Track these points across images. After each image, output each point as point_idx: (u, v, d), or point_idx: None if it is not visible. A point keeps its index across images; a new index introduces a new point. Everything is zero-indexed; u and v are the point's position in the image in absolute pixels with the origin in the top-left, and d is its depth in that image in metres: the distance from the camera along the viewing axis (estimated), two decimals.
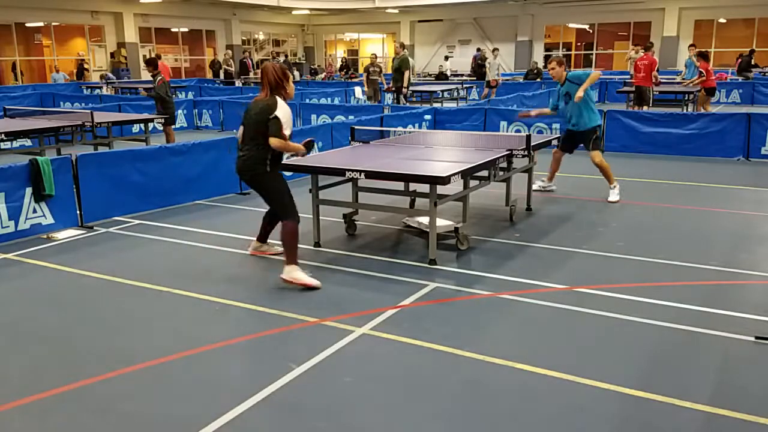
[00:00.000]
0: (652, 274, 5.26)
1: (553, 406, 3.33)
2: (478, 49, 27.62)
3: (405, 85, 14.98)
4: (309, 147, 5.23)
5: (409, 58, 19.97)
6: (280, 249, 5.36)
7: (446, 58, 30.40)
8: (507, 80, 22.60)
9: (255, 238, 5.69)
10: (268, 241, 5.68)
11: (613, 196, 7.66)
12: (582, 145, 7.78)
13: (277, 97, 4.91)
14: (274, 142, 4.82)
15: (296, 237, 5.01)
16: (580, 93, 7.36)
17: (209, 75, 27.30)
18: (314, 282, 4.96)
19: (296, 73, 28.34)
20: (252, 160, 4.97)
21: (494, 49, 21.54)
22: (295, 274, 4.94)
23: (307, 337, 4.16)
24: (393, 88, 15.46)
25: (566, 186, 8.43)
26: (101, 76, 24.33)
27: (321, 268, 5.45)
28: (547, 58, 32.16)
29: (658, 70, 14.67)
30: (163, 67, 17.64)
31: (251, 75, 24.84)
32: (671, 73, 23.25)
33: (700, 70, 14.84)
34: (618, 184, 7.76)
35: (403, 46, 15.86)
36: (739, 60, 22.38)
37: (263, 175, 5.00)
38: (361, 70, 33.91)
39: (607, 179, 7.74)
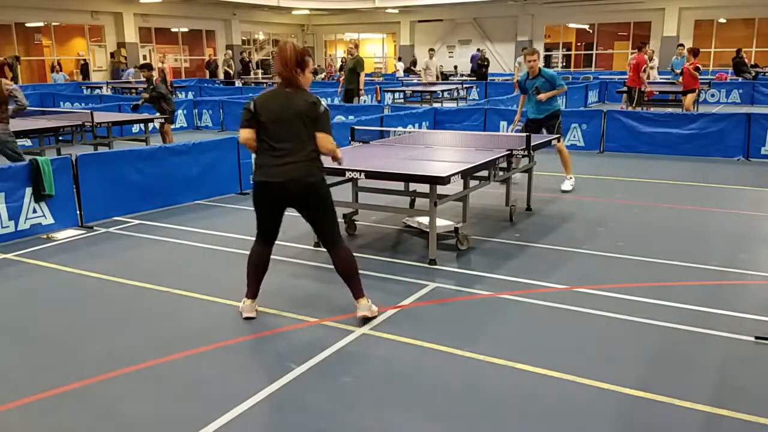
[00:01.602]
0: (652, 274, 5.26)
1: (553, 406, 3.33)
2: (478, 50, 27.63)
3: (360, 87, 14.79)
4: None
5: (430, 59, 20.17)
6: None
7: (399, 59, 30.75)
8: (506, 80, 22.60)
9: (246, 297, 4.46)
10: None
11: (567, 185, 8.16)
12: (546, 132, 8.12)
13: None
14: (327, 142, 4.16)
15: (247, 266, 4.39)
16: (543, 97, 8.07)
17: (207, 75, 27.33)
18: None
19: None
20: (311, 165, 4.18)
21: (523, 49, 21.72)
22: (374, 306, 4.38)
23: (307, 337, 4.16)
24: (346, 89, 14.98)
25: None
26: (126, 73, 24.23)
27: (321, 268, 5.45)
28: (547, 58, 32.20)
29: (647, 70, 14.46)
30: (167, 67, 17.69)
31: (251, 75, 24.89)
32: (671, 73, 23.22)
33: (682, 69, 14.35)
34: (574, 176, 8.25)
35: (357, 46, 15.76)
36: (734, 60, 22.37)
37: (322, 183, 4.26)
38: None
39: (565, 169, 8.20)
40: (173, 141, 11.06)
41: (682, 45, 17.43)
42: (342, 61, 34.29)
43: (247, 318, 4.42)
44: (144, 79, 11.48)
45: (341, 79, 16.17)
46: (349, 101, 14.68)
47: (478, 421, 3.21)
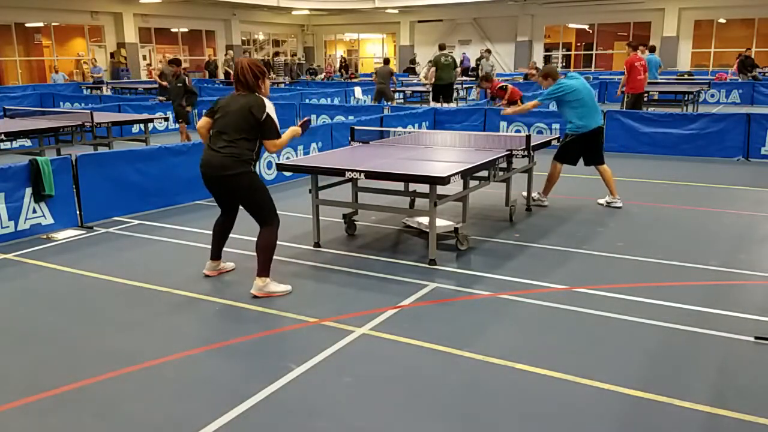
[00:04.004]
0: (652, 274, 5.26)
1: (553, 406, 3.33)
2: (463, 53, 27.77)
3: None
4: (305, 127, 5.04)
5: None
6: (232, 265, 5.39)
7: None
8: (507, 80, 22.60)
9: (210, 259, 5.27)
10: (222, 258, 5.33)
11: (536, 198, 7.53)
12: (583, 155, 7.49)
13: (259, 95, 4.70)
14: (272, 147, 4.72)
15: (275, 246, 4.84)
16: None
17: (207, 75, 27.31)
18: (286, 288, 4.87)
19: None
20: (235, 157, 4.65)
21: (486, 50, 21.70)
22: (270, 287, 4.82)
23: (307, 337, 4.16)
24: None
25: (565, 186, 8.43)
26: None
27: (321, 268, 5.46)
28: (547, 59, 32.19)
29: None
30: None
31: None
32: (671, 74, 23.26)
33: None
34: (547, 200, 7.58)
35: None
36: (738, 59, 22.24)
37: (246, 175, 4.71)
38: (361, 70, 33.89)
39: (545, 185, 7.57)
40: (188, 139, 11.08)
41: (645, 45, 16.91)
42: (342, 61, 34.39)
43: (205, 276, 5.20)
44: (174, 74, 11.56)
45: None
46: None
47: (477, 421, 3.21)
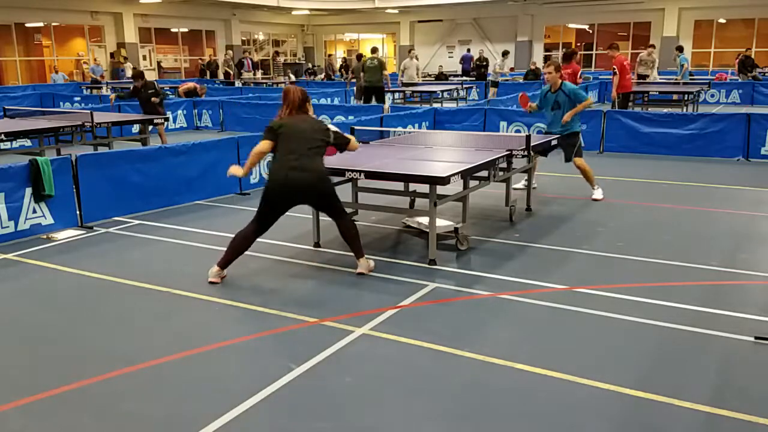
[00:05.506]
0: (651, 273, 5.26)
1: (553, 406, 3.33)
2: (468, 50, 27.72)
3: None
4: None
5: (414, 59, 19.87)
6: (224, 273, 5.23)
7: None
8: (506, 80, 22.62)
9: (216, 266, 5.11)
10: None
11: (597, 194, 7.77)
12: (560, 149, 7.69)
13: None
14: (354, 146, 5.47)
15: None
16: (567, 118, 7.52)
17: (208, 75, 27.30)
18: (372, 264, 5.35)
19: (291, 75, 28.37)
20: (323, 174, 5.14)
21: (505, 52, 21.78)
22: (371, 264, 5.31)
23: (307, 337, 4.16)
24: None
25: (565, 186, 8.43)
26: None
27: (321, 268, 5.45)
28: (547, 59, 32.15)
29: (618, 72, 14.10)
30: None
31: (251, 75, 24.92)
32: (671, 74, 23.26)
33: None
34: (599, 184, 7.86)
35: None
36: (738, 59, 22.21)
37: (330, 182, 5.22)
38: None
39: (588, 182, 7.80)
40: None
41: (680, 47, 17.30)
42: (342, 61, 34.37)
43: (210, 282, 5.05)
44: (140, 86, 11.51)
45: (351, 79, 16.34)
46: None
47: (477, 421, 3.21)
